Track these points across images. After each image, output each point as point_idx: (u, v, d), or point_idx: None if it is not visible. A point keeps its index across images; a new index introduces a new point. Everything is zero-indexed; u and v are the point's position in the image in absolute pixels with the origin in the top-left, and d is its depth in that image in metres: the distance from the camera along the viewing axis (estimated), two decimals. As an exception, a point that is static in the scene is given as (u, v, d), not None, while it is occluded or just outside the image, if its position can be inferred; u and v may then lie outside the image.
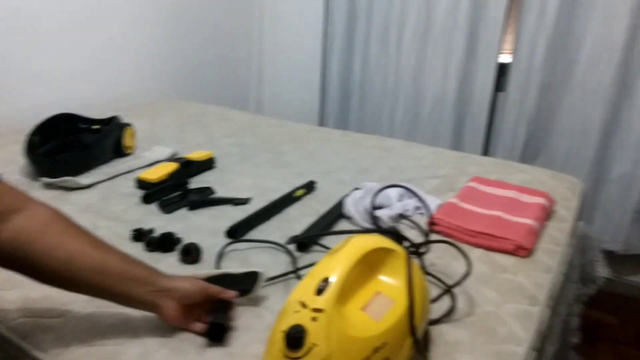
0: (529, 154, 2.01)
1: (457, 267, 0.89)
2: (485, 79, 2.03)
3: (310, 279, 0.64)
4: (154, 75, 2.09)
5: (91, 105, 1.78)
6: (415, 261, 0.71)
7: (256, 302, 0.79)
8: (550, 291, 0.85)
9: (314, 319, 0.58)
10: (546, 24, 1.82)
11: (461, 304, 0.79)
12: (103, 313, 0.75)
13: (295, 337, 0.56)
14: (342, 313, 0.60)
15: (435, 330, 0.73)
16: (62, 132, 1.39)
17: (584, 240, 1.30)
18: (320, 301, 0.59)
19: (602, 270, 1.39)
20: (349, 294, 0.63)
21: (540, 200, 1.10)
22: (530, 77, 1.93)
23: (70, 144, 1.37)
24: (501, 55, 2.01)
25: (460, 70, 2.04)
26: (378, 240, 0.68)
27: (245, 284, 0.77)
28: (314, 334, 0.57)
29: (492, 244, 0.95)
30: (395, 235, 0.74)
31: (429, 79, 2.14)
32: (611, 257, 1.82)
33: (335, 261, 0.63)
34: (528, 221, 1.01)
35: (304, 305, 0.59)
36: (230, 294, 0.73)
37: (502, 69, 2.03)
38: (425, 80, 2.15)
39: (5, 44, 1.55)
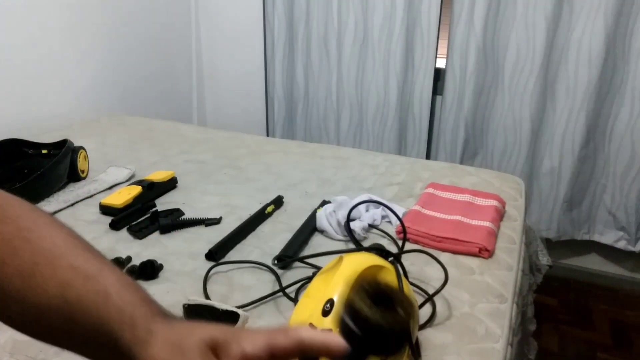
0: (468, 153, 2.15)
1: (430, 272, 0.97)
2: (424, 84, 2.14)
3: (312, 300, 0.69)
4: (91, 93, 2.02)
5: (26, 128, 1.69)
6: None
7: (252, 322, 0.81)
8: (514, 288, 0.94)
9: (324, 339, 0.62)
10: (475, 33, 1.96)
11: (439, 307, 0.86)
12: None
13: (311, 359, 0.60)
14: (348, 331, 0.64)
15: (422, 335, 0.79)
16: (7, 158, 1.33)
17: (528, 233, 1.42)
18: (328, 322, 0.63)
19: (545, 259, 1.53)
20: (350, 311, 0.67)
21: (493, 202, 1.20)
22: (464, 81, 2.06)
23: (19, 171, 1.32)
24: (437, 60, 2.13)
25: (400, 77, 2.14)
26: (369, 258, 0.73)
27: (225, 322, 0.76)
28: (326, 353, 0.61)
29: (457, 247, 1.03)
30: (380, 251, 0.79)
31: (371, 86, 2.22)
32: (548, 244, 1.99)
33: (335, 282, 0.68)
34: (486, 224, 1.10)
35: (313, 327, 0.63)
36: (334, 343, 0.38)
37: (438, 74, 2.16)
38: (367, 87, 2.23)
39: None
